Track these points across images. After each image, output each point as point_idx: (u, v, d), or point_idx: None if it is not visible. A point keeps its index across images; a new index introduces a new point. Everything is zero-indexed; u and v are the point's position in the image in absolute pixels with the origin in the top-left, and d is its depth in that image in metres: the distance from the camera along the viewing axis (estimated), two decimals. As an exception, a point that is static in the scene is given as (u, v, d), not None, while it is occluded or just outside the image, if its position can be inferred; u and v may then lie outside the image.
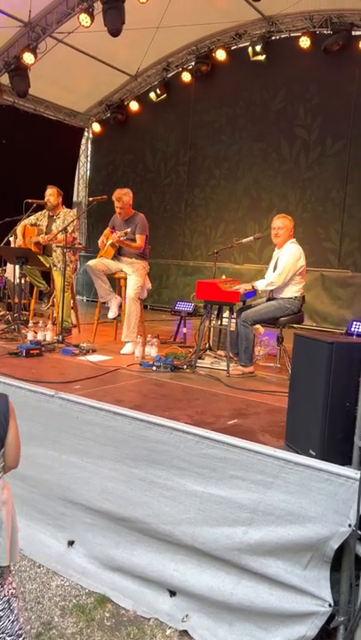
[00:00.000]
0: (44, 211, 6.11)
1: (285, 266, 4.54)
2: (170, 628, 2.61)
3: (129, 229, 5.28)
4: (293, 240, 4.73)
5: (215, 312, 5.22)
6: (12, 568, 2.10)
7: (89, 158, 11.64)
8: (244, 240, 5.37)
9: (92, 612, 2.68)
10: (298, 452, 2.51)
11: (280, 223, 4.72)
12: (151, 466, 2.81)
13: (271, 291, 4.70)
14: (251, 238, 5.36)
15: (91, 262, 5.37)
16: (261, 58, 8.80)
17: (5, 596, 2.03)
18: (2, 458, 1.96)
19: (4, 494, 1.96)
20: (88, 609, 2.69)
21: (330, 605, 2.25)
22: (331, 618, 2.28)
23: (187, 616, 2.61)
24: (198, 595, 2.59)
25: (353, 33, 7.94)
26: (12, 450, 1.98)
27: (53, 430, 3.20)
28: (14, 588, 2.09)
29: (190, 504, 2.65)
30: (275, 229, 4.74)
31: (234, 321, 4.72)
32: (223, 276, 5.64)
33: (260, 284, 4.65)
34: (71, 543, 3.08)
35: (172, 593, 2.70)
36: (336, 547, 2.25)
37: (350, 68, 8.01)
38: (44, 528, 3.20)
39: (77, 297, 8.05)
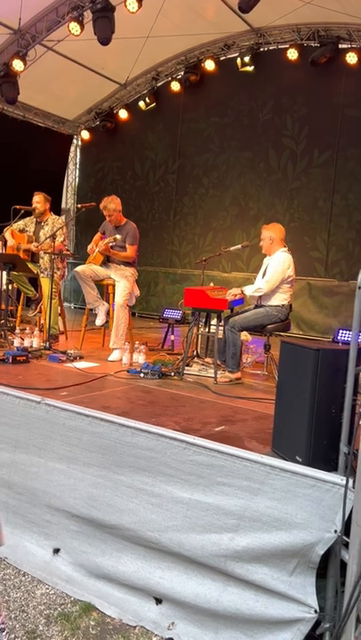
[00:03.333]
0: (32, 217, 6.10)
1: (273, 273, 4.58)
2: (156, 635, 2.59)
3: (118, 236, 5.29)
4: (285, 249, 4.77)
5: (203, 319, 5.24)
6: None
7: (78, 165, 11.65)
8: (232, 248, 5.41)
9: (77, 620, 2.65)
10: (284, 459, 2.52)
11: (263, 234, 4.83)
12: (138, 472, 2.81)
13: (259, 298, 4.73)
14: (238, 246, 5.40)
15: (79, 268, 5.36)
16: (250, 69, 8.91)
17: None
18: None
19: None
20: (73, 617, 2.67)
21: (316, 612, 2.26)
22: (317, 624, 2.29)
23: (173, 624, 2.60)
24: (184, 602, 2.58)
25: (340, 46, 8.09)
26: None
27: (39, 437, 3.18)
28: (3, 610, 2.06)
29: (177, 511, 2.65)
30: (261, 239, 4.83)
31: (222, 328, 4.75)
32: (211, 284, 5.66)
33: (249, 290, 4.69)
34: (57, 551, 3.05)
35: (158, 600, 2.69)
36: (322, 553, 2.26)
37: (337, 80, 8.14)
38: (29, 536, 3.16)
39: (65, 303, 8.03)
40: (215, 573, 2.54)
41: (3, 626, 2.03)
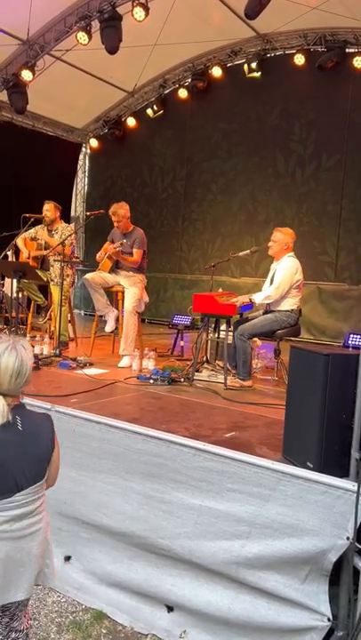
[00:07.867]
0: (42, 225, 6.13)
1: (282, 279, 4.56)
2: (167, 644, 2.58)
3: (125, 240, 5.32)
4: (291, 254, 4.75)
5: (212, 325, 5.23)
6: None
7: (87, 173, 11.72)
8: (240, 253, 5.41)
9: (88, 628, 2.64)
10: (295, 465, 2.51)
11: (274, 236, 4.78)
12: (148, 479, 2.80)
13: (268, 303, 4.71)
14: (247, 252, 5.40)
15: (88, 275, 5.39)
16: (257, 75, 8.91)
17: (25, 628, 2.01)
18: (47, 475, 1.95)
19: (47, 515, 1.93)
20: (85, 625, 2.66)
21: (329, 620, 2.23)
22: (330, 632, 2.26)
23: (184, 632, 2.58)
24: (196, 610, 2.56)
25: (346, 50, 8.06)
26: (54, 467, 1.99)
27: (50, 444, 3.18)
28: (31, 619, 2.07)
29: (188, 518, 2.64)
30: (270, 241, 4.79)
31: (231, 334, 4.73)
32: (220, 289, 5.66)
33: (258, 298, 4.67)
34: (68, 558, 3.05)
35: (170, 608, 2.67)
36: (334, 560, 2.24)
37: (344, 84, 8.12)
38: (40, 543, 3.16)
39: (75, 310, 8.06)
40: (227, 581, 2.53)
41: (27, 631, 2.03)
